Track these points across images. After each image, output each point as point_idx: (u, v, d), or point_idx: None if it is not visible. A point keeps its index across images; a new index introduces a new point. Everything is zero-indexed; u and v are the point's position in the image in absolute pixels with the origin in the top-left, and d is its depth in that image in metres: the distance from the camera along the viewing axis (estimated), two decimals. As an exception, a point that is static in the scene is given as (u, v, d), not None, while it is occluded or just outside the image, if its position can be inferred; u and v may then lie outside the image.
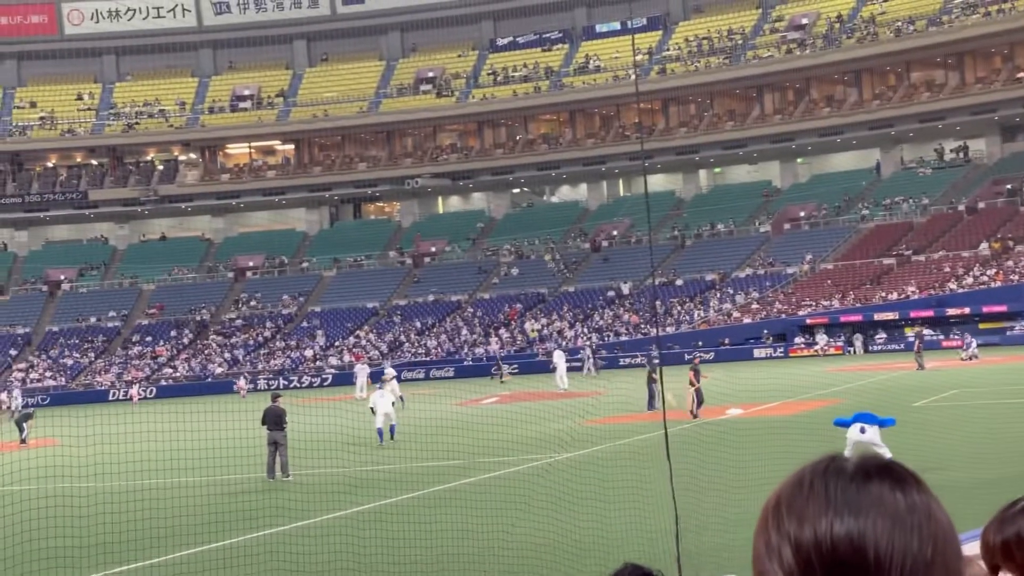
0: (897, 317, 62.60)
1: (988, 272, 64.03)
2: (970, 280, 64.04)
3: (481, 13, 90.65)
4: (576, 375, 51.48)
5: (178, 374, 74.96)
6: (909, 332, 59.52)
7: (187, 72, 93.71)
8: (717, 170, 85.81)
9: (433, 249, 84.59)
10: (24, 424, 36.55)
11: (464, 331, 74.83)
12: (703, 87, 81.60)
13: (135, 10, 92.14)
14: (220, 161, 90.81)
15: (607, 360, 61.96)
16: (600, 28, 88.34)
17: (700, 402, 31.82)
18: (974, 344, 50.61)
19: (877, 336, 63.39)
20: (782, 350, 63.27)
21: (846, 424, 19.10)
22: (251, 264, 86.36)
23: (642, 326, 69.16)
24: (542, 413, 30.35)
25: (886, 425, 19.02)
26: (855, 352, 61.98)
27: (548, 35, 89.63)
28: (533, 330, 72.66)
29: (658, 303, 69.91)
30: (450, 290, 79.75)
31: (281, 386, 64.02)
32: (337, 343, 76.23)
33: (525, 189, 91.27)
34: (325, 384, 67.51)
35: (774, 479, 1.45)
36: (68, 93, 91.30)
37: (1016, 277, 62.51)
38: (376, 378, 42.86)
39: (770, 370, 49.22)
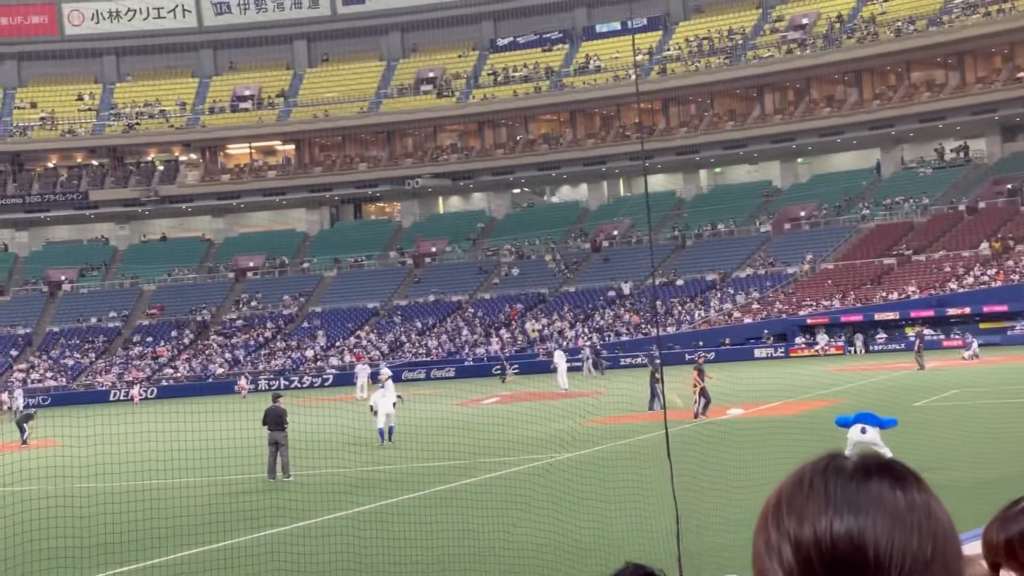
0: (898, 317, 62.61)
1: (988, 272, 64.04)
2: (971, 280, 64.05)
3: (481, 13, 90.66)
4: (576, 375, 51.47)
5: (179, 374, 74.98)
6: (910, 332, 59.53)
7: (187, 72, 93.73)
8: (717, 170, 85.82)
9: (434, 249, 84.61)
10: (25, 425, 36.55)
11: (465, 331, 74.84)
12: (703, 87, 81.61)
13: (135, 10, 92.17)
14: (220, 161, 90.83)
15: (609, 360, 61.91)
16: (600, 28, 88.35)
17: (707, 402, 31.72)
18: (975, 344, 50.62)
19: (878, 336, 63.40)
20: (783, 350, 63.28)
21: (847, 423, 19.07)
22: (252, 264, 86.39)
23: (643, 326, 69.18)
24: (543, 413, 30.34)
25: (887, 426, 18.99)
26: (856, 352, 61.98)
27: (548, 35, 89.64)
28: (534, 330, 72.67)
29: (659, 303, 69.93)
30: (451, 290, 79.77)
31: (282, 386, 64.04)
32: (338, 343, 76.25)
33: (525, 189, 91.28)
34: (326, 384, 67.53)
35: (775, 479, 1.45)
36: (69, 93, 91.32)
37: (1016, 277, 62.51)
38: (376, 378, 42.92)
39: (771, 370, 49.23)
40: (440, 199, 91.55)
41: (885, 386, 37.75)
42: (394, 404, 30.80)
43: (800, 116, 79.45)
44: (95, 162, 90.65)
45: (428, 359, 71.62)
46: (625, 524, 15.95)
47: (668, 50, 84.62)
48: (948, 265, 66.61)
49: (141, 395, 65.33)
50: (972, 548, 2.06)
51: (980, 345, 51.28)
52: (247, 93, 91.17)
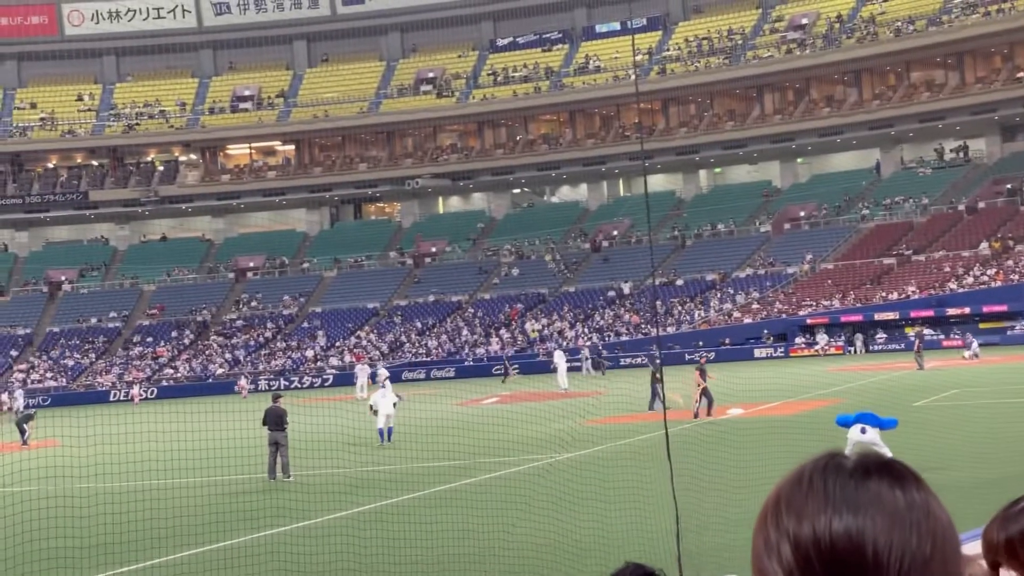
0: (897, 317, 62.62)
1: (988, 272, 64.04)
2: (970, 280, 64.05)
3: (481, 14, 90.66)
4: (576, 375, 51.48)
5: (179, 375, 74.98)
6: (910, 332, 59.54)
7: (187, 73, 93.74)
8: (717, 170, 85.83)
9: (433, 249, 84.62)
10: (25, 426, 36.53)
11: (465, 331, 74.85)
12: (703, 87, 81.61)
13: (135, 11, 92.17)
14: (220, 162, 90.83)
15: (610, 360, 61.89)
16: (600, 28, 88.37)
17: (711, 402, 31.67)
18: (975, 344, 50.64)
19: (877, 336, 63.41)
20: (782, 350, 63.29)
21: (848, 423, 19.05)
22: (252, 265, 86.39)
23: (643, 326, 69.19)
24: (543, 413, 30.35)
25: (887, 427, 18.95)
26: (855, 352, 61.99)
27: (548, 35, 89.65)
28: (534, 330, 72.67)
29: (658, 303, 69.94)
30: (451, 290, 79.77)
31: (282, 386, 64.03)
32: (338, 343, 76.25)
33: (525, 189, 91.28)
34: (326, 384, 67.53)
35: (775, 479, 1.45)
36: (68, 94, 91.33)
37: (1016, 277, 62.52)
38: (375, 379, 43.01)
39: (771, 370, 49.20)
40: (440, 199, 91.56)
41: (885, 386, 37.76)
42: (394, 404, 30.81)
43: (800, 116, 79.46)
44: (95, 162, 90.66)
45: (428, 359, 71.63)
46: (625, 524, 15.95)
47: (668, 50, 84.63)
48: (948, 265, 66.62)
49: (141, 395, 65.36)
50: (972, 548, 2.07)
51: (980, 345, 51.28)
52: (247, 93, 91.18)
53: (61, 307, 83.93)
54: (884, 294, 65.32)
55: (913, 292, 64.40)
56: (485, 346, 72.24)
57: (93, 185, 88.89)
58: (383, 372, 41.62)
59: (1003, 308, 60.19)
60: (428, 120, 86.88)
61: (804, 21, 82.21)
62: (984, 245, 67.18)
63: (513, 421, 30.18)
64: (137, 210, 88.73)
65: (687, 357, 58.77)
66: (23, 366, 77.01)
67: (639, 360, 59.40)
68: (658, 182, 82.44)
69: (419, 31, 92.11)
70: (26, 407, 49.27)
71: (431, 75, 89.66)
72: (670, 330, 66.94)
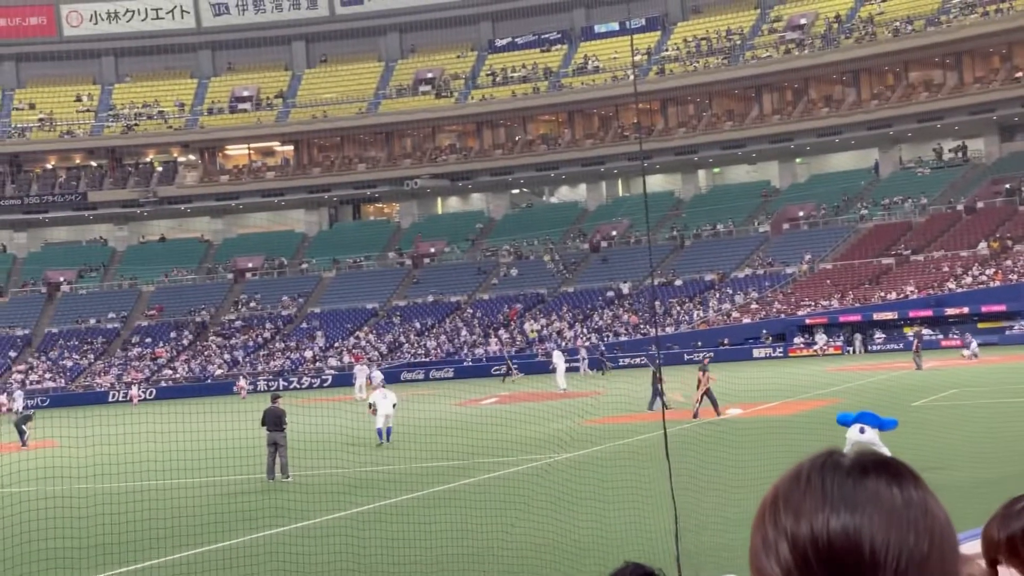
0: (896, 317, 62.63)
1: (987, 272, 64.06)
2: (969, 280, 64.06)
3: (480, 14, 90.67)
4: (574, 375, 51.49)
5: (178, 375, 74.96)
6: (908, 332, 59.57)
7: (186, 73, 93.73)
8: (716, 170, 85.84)
9: (432, 250, 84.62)
10: (24, 427, 36.51)
11: (463, 332, 74.85)
12: (702, 87, 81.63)
13: (134, 11, 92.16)
14: (219, 162, 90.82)
15: (610, 360, 61.85)
16: (599, 29, 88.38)
17: (714, 402, 31.56)
18: (974, 343, 50.66)
19: (876, 336, 63.42)
20: (781, 350, 63.30)
21: (848, 422, 19.01)
22: (250, 265, 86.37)
23: (641, 326, 69.19)
24: (541, 413, 30.36)
25: (887, 427, 18.90)
26: (854, 352, 62.00)
27: (547, 36, 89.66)
28: (532, 331, 72.67)
29: (657, 303, 69.93)
30: (449, 291, 79.77)
31: (281, 387, 64.00)
32: (337, 344, 76.25)
33: (524, 190, 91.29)
34: (325, 385, 67.51)
35: (773, 479, 1.45)
36: (67, 95, 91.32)
37: (1015, 277, 62.54)
38: (374, 380, 43.12)
39: (769, 370, 49.24)
40: (439, 200, 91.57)
41: (884, 386, 37.76)
42: (394, 405, 30.83)
43: (798, 116, 79.48)
44: (94, 163, 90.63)
45: (427, 360, 71.62)
46: (624, 524, 15.96)
47: (666, 50, 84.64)
48: (946, 265, 66.64)
49: (140, 396, 65.32)
50: (971, 547, 2.06)
51: (979, 345, 51.30)
52: (246, 94, 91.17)
53: (60, 308, 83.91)
54: (883, 294, 65.34)
55: (912, 292, 64.42)
56: (484, 346, 72.24)
57: (92, 186, 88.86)
58: (378, 375, 41.90)
59: (1002, 308, 60.21)
60: (427, 120, 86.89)
61: (803, 21, 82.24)
62: (983, 245, 67.20)
63: (512, 421, 30.17)
64: (136, 211, 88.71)
65: (686, 357, 58.84)
66: (22, 367, 77.00)
67: (638, 360, 59.44)
68: (657, 182, 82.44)
69: (418, 31, 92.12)
70: (25, 408, 49.25)
71: (430, 75, 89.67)
72: (669, 330, 66.94)
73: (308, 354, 75.11)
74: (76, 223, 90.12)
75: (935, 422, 26.56)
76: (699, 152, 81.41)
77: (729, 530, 14.74)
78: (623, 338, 68.64)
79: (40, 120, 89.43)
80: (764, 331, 65.32)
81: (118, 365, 76.29)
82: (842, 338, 63.57)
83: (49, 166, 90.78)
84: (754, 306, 68.99)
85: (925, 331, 58.74)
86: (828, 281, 69.27)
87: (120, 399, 66.76)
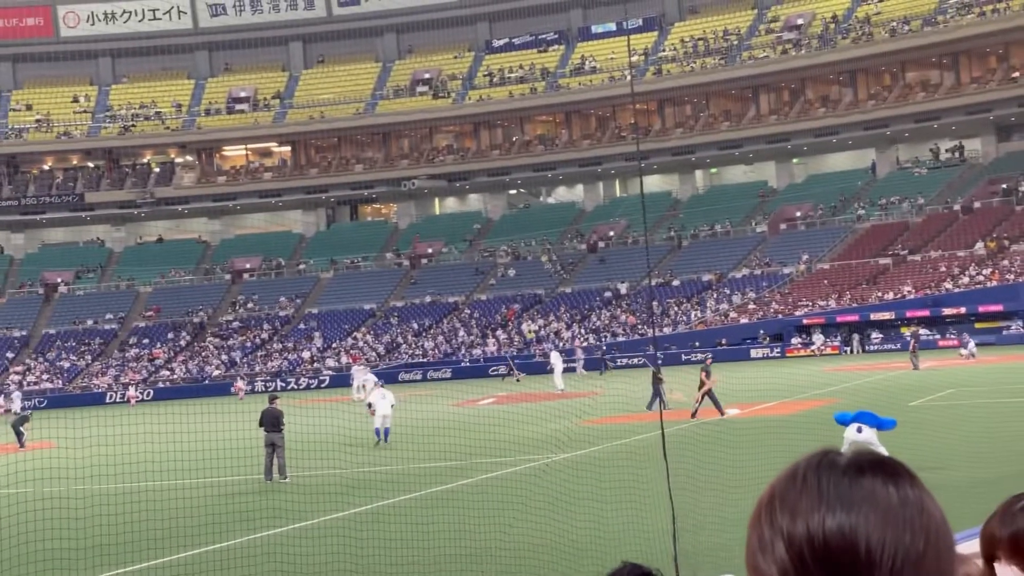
0: (893, 317, 62.66)
1: (984, 272, 64.11)
2: (966, 280, 64.11)
3: (477, 15, 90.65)
4: (571, 376, 51.50)
5: (175, 376, 74.91)
6: (905, 332, 59.61)
7: (183, 74, 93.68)
8: (713, 170, 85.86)
9: (430, 250, 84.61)
10: (21, 428, 36.47)
11: (461, 332, 74.84)
12: (699, 88, 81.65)
13: (131, 12, 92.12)
14: (216, 163, 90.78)
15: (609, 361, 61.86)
16: (596, 29, 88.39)
17: (716, 403, 31.49)
18: (972, 343, 50.70)
19: (873, 336, 63.46)
20: (779, 350, 63.33)
21: (846, 421, 19.02)
22: (248, 266, 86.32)
23: (639, 327, 69.21)
24: (539, 414, 30.36)
25: (886, 427, 18.91)
26: (852, 352, 62.03)
27: (544, 36, 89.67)
28: (530, 331, 72.68)
29: (655, 304, 69.95)
30: (447, 291, 79.76)
31: (279, 388, 64.00)
32: (334, 345, 76.22)
33: (521, 190, 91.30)
34: (322, 386, 67.49)
35: (771, 478, 1.45)
36: (64, 95, 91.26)
37: (1012, 276, 62.58)
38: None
39: (767, 370, 49.26)
40: (436, 200, 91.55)
41: (881, 386, 37.77)
42: (392, 406, 30.85)
43: (795, 116, 79.51)
44: (91, 164, 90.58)
45: (424, 360, 71.61)
46: (621, 524, 15.96)
47: (663, 51, 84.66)
48: (943, 265, 66.69)
49: (137, 397, 65.27)
50: (968, 547, 2.07)
51: (976, 345, 51.33)
52: (243, 95, 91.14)
53: (57, 309, 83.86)
54: (880, 294, 65.38)
55: (909, 292, 64.46)
56: (482, 347, 72.23)
57: (89, 187, 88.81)
58: (372, 378, 42.08)
59: (999, 308, 60.25)
60: (424, 121, 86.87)
61: (800, 21, 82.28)
62: (980, 245, 67.25)
63: (509, 422, 30.18)
64: (133, 212, 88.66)
65: (683, 358, 58.88)
66: (19, 368, 76.94)
67: (636, 360, 59.45)
68: (654, 183, 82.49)
69: (415, 32, 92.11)
70: (22, 409, 49.19)
71: (427, 76, 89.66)
72: (666, 331, 66.98)
73: (306, 355, 75.09)
74: (73, 224, 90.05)
75: (932, 422, 26.58)
76: (696, 152, 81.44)
77: (727, 530, 14.75)
78: (621, 339, 68.64)
79: (37, 121, 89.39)
80: (761, 331, 65.35)
81: (115, 366, 76.25)
82: (839, 338, 63.60)
83: (46, 167, 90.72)
84: (751, 306, 69.01)
85: (922, 331, 58.80)
86: (825, 281, 69.31)
87: (118, 400, 66.73)
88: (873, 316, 63.26)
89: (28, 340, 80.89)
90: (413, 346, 74.12)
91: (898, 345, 58.96)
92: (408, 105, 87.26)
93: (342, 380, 61.33)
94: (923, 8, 77.21)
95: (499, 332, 73.64)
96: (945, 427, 25.33)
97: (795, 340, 63.98)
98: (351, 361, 69.39)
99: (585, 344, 66.15)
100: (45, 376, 75.81)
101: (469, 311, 77.56)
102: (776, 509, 1.38)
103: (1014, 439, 23.04)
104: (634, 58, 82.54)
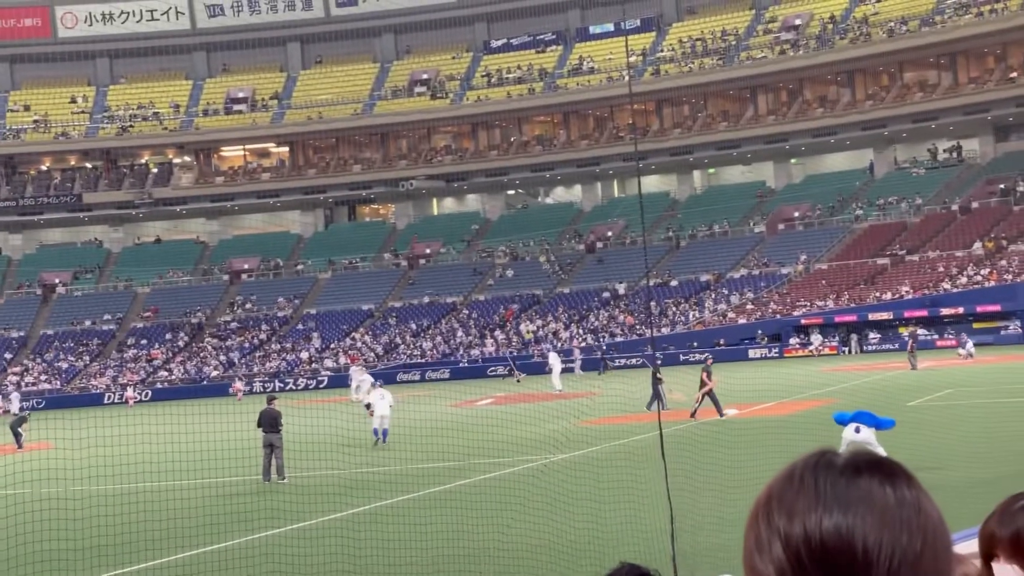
0: (891, 317, 62.68)
1: (982, 272, 64.15)
2: (964, 280, 64.14)
3: (475, 15, 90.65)
4: (568, 376, 51.51)
5: (173, 377, 74.88)
6: (903, 332, 59.62)
7: (181, 75, 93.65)
8: (711, 171, 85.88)
9: (428, 251, 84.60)
10: (19, 429, 36.44)
11: (459, 333, 74.84)
12: (697, 88, 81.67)
13: (129, 13, 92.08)
14: (214, 164, 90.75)
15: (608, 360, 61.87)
16: (594, 30, 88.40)
17: (716, 404, 31.47)
18: (970, 343, 50.73)
19: (871, 336, 63.49)
20: (777, 350, 63.34)
21: (845, 420, 19.02)
22: (246, 267, 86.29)
23: (637, 327, 69.22)
24: (537, 414, 30.36)
25: (884, 427, 18.90)
26: (850, 352, 62.05)
27: (542, 37, 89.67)
28: (528, 331, 72.68)
29: (653, 304, 69.96)
30: (445, 292, 79.75)
31: (277, 388, 63.96)
32: (333, 345, 76.20)
33: (520, 191, 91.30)
34: (321, 386, 67.47)
35: (769, 479, 1.45)
36: (62, 96, 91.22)
37: (1010, 277, 62.62)
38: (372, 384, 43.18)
39: (765, 370, 49.28)
40: (434, 200, 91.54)
41: (879, 386, 37.79)
42: (391, 407, 30.84)
43: (793, 117, 79.54)
44: (89, 165, 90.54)
45: (423, 361, 71.60)
46: (620, 524, 15.96)
47: (661, 51, 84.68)
48: (941, 265, 66.72)
49: (136, 398, 65.24)
50: (966, 547, 2.07)
51: (974, 345, 51.35)
52: (241, 95, 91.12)
53: (55, 310, 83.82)
54: (878, 294, 65.40)
55: (907, 292, 64.49)
56: (480, 347, 72.22)
57: (87, 187, 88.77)
58: (368, 378, 42.13)
59: (996, 308, 60.27)
60: (422, 121, 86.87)
61: (797, 22, 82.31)
62: (977, 245, 67.28)
63: (508, 422, 30.17)
64: (131, 212, 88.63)
65: (681, 358, 58.90)
66: (17, 369, 76.91)
67: (634, 361, 59.45)
68: (652, 183, 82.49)
69: (413, 33, 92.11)
70: (20, 410, 49.15)
71: (425, 76, 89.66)
72: (665, 331, 66.99)
73: (304, 355, 75.07)
74: (71, 225, 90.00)
75: (930, 422, 26.60)
76: (694, 153, 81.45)
77: (725, 530, 14.76)
78: (619, 339, 68.66)
79: (35, 122, 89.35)
80: (760, 331, 65.36)
81: (114, 367, 76.21)
82: (837, 338, 63.61)
83: (44, 168, 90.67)
84: (750, 306, 69.03)
85: (920, 331, 58.81)
86: (823, 281, 69.34)
87: (116, 401, 66.69)
88: (871, 316, 63.28)
89: (26, 341, 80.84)
90: (411, 346, 74.11)
91: (896, 345, 58.97)
92: (406, 106, 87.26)
93: (340, 381, 61.31)
94: (921, 8, 77.25)
95: (497, 332, 73.64)
96: (943, 427, 25.35)
97: (793, 340, 64.00)
98: (349, 362, 69.36)
99: (583, 344, 66.14)
100: (43, 377, 75.78)
101: (467, 311, 77.55)
102: (773, 509, 1.38)
103: (1012, 439, 23.06)
104: (632, 59, 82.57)
